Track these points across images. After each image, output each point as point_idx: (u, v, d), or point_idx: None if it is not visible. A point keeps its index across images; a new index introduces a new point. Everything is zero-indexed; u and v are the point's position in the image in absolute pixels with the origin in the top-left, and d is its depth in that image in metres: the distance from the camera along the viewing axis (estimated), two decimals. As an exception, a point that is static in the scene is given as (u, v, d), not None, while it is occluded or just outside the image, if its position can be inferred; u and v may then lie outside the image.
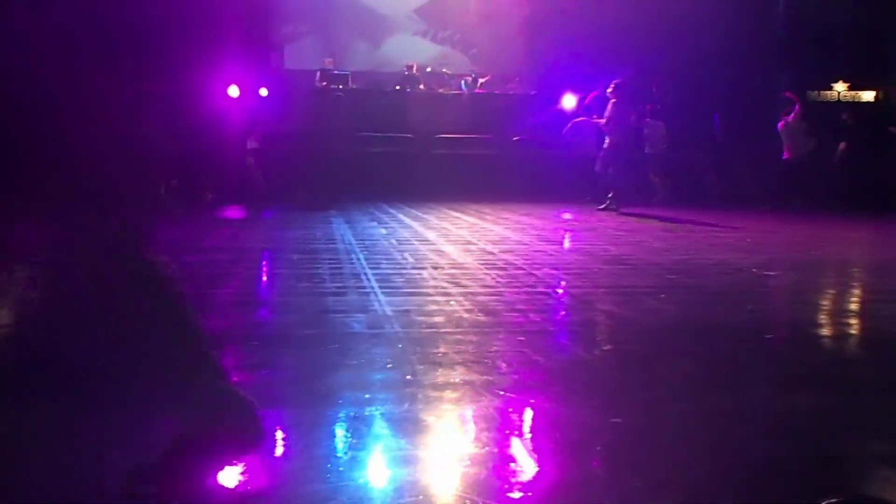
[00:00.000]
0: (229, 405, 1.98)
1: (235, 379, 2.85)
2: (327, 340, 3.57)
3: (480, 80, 17.05)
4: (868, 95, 17.49)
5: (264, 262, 6.10)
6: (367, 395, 2.79)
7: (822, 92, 17.39)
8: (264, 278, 5.32)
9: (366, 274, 5.41)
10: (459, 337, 3.68)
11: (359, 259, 6.14)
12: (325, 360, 3.26)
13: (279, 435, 2.42)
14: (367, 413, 2.60)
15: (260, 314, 4.24)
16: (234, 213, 10.58)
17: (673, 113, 15.72)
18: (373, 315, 4.13)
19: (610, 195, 11.78)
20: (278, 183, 12.73)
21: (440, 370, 3.12)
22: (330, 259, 6.13)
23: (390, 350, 3.45)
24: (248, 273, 5.44)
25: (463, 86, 16.93)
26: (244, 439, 2.02)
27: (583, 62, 16.28)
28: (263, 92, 14.60)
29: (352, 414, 2.59)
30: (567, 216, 10.71)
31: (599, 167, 12.07)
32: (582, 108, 15.12)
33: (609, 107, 11.79)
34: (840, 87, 17.53)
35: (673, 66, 16.57)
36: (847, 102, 17.10)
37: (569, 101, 15.65)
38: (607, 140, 11.81)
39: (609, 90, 11.89)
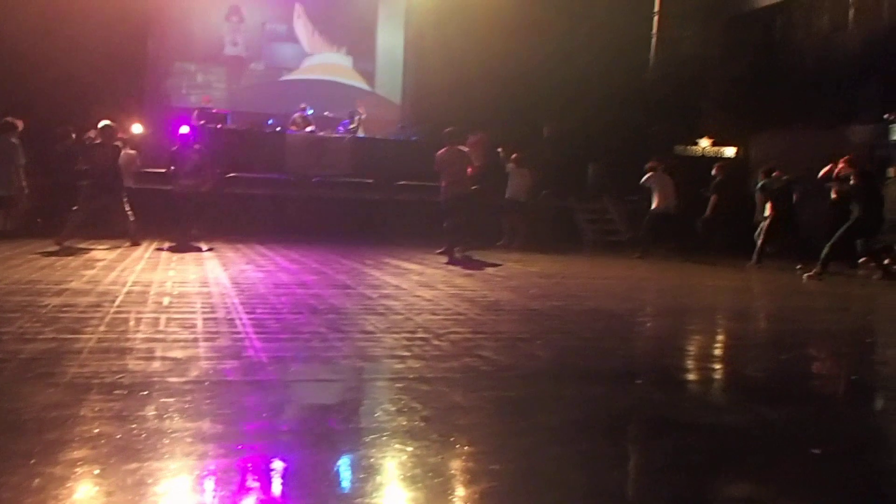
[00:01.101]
0: None
1: (97, 431, 2.70)
2: (198, 388, 3.44)
3: (357, 118, 17.05)
4: (730, 151, 18.54)
5: (131, 305, 5.85)
6: (239, 446, 2.69)
7: (688, 147, 18.31)
8: (131, 322, 5.09)
9: (240, 318, 5.27)
10: (337, 384, 3.61)
11: (233, 302, 5.98)
12: (195, 409, 3.13)
13: (141, 491, 2.30)
14: (237, 464, 2.50)
15: (125, 361, 4.05)
16: (102, 252, 10.14)
17: (549, 162, 16.21)
18: (247, 361, 4.02)
19: (455, 240, 11.64)
20: (151, 222, 12.33)
21: (316, 417, 3.05)
22: (202, 302, 5.94)
23: (265, 398, 3.35)
24: (114, 317, 5.20)
25: (349, 123, 16.94)
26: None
27: (466, 109, 16.60)
28: (137, 128, 14.20)
29: (223, 466, 2.49)
30: (446, 261, 10.78)
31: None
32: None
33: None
34: (704, 143, 18.51)
35: (551, 116, 17.13)
36: (711, 157, 18.05)
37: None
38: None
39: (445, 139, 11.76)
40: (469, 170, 11.78)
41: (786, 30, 18.21)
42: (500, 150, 14.39)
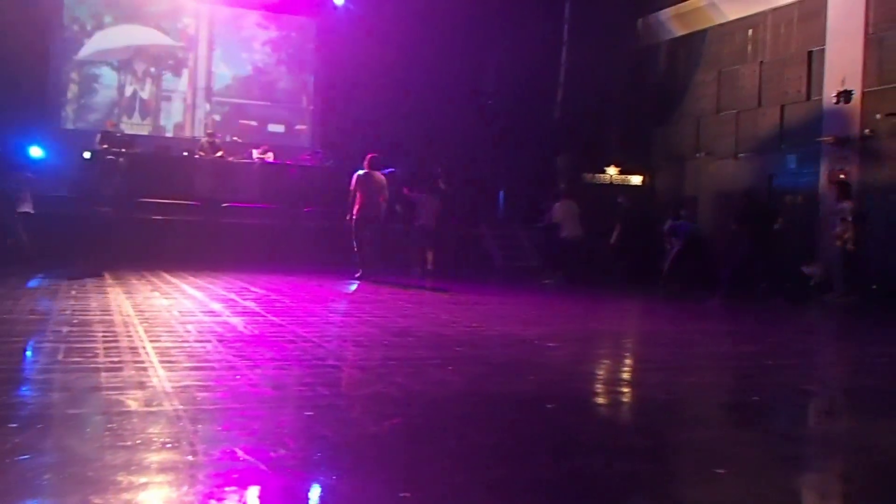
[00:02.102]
0: None
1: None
2: (98, 420, 3.31)
3: (269, 153, 16.87)
4: (636, 179, 19.06)
5: (28, 335, 5.61)
6: (142, 479, 2.59)
7: (596, 175, 18.74)
8: (27, 353, 4.88)
9: (144, 347, 5.11)
10: (245, 413, 3.53)
11: (137, 331, 5.79)
12: (96, 442, 3.01)
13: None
14: (140, 499, 2.41)
15: (20, 392, 3.87)
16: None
17: (460, 190, 16.37)
18: (150, 391, 3.89)
19: (363, 261, 11.83)
20: (51, 249, 11.90)
21: (224, 449, 2.97)
22: (104, 331, 5.73)
23: (169, 429, 3.24)
24: (8, 347, 4.97)
25: (255, 155, 16.70)
26: None
27: (377, 137, 16.64)
28: (37, 152, 13.72)
29: (123, 500, 2.39)
30: (356, 287, 10.72)
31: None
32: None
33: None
34: (612, 171, 18.99)
35: (462, 145, 17.31)
36: (618, 185, 18.53)
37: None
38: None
39: (366, 162, 11.96)
40: (381, 198, 11.91)
41: (688, 62, 18.89)
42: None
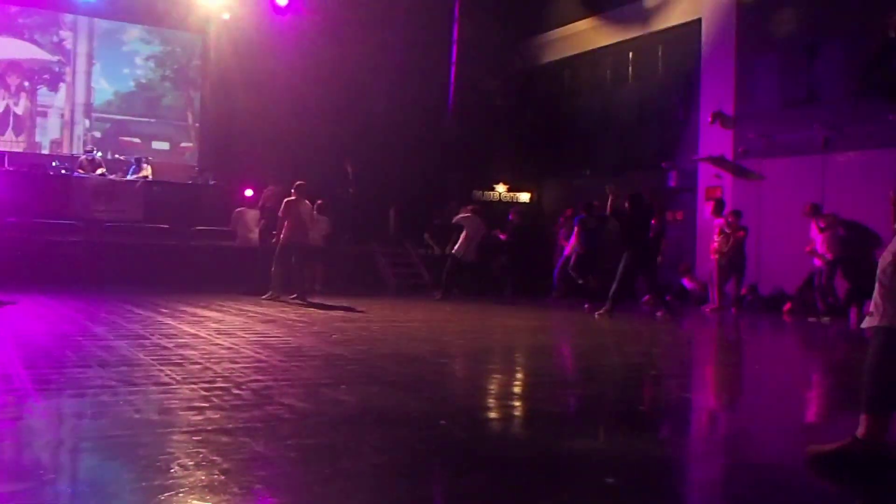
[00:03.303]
0: None
1: None
2: (-32, 453, 3.12)
3: (145, 166, 16.36)
4: (525, 196, 19.44)
5: None
6: (15, 514, 2.46)
7: (485, 192, 19.02)
8: None
9: (18, 374, 4.85)
10: (129, 440, 3.40)
11: (9, 357, 5.50)
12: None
13: None
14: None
15: None
16: None
17: (355, 208, 16.34)
18: (26, 421, 3.69)
19: (274, 286, 12.21)
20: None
21: (107, 476, 2.85)
22: (-25, 359, 5.42)
23: (49, 459, 3.08)
24: None
25: (130, 174, 16.17)
26: None
27: (266, 156, 16.43)
28: None
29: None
30: (247, 308, 10.51)
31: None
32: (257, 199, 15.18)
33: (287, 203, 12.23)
34: (501, 188, 19.30)
35: (352, 163, 17.25)
36: (507, 202, 18.85)
37: (249, 193, 15.65)
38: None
39: (294, 189, 12.39)
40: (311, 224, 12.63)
41: (573, 83, 19.44)
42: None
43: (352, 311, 10.76)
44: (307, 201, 12.55)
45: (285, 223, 12.03)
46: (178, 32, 19.18)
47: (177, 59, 19.50)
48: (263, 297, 11.98)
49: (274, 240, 12.22)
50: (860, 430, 3.23)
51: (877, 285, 3.28)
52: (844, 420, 3.69)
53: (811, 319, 11.99)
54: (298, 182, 12.44)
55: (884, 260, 3.30)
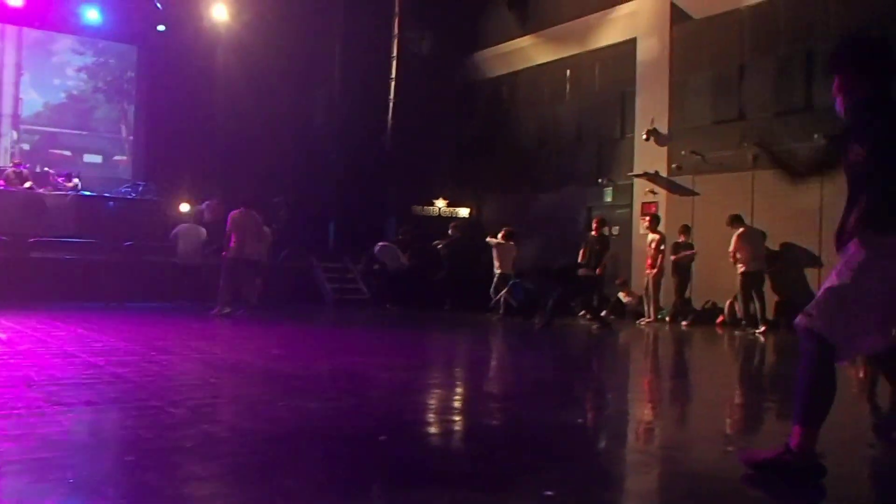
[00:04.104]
0: None
1: None
2: None
3: (75, 180, 15.99)
4: (464, 211, 19.51)
5: None
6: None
7: (425, 207, 19.04)
8: None
9: (-59, 395, 4.67)
10: (58, 462, 3.29)
11: (-67, 378, 5.30)
12: None
13: None
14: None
15: None
16: None
17: (292, 223, 16.19)
18: (-52, 443, 3.55)
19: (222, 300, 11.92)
20: None
21: (32, 500, 2.75)
22: None
23: (-31, 483, 2.97)
24: None
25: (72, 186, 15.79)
26: None
27: (203, 169, 16.22)
28: None
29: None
30: (184, 323, 10.32)
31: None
32: (197, 214, 15.00)
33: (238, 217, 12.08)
34: (441, 204, 19.35)
35: (291, 177, 17.13)
36: (447, 217, 18.90)
37: (185, 207, 15.42)
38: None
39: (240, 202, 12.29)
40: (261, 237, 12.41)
41: (512, 99, 19.62)
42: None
43: (291, 327, 10.64)
44: (256, 214, 12.29)
45: (232, 237, 11.83)
46: (112, 43, 18.82)
47: (110, 70, 19.14)
48: (212, 311, 11.67)
49: (224, 252, 11.98)
50: (792, 441, 3.30)
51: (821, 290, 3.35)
52: (775, 428, 3.78)
53: (741, 332, 12.27)
54: (245, 195, 12.35)
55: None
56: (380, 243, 15.55)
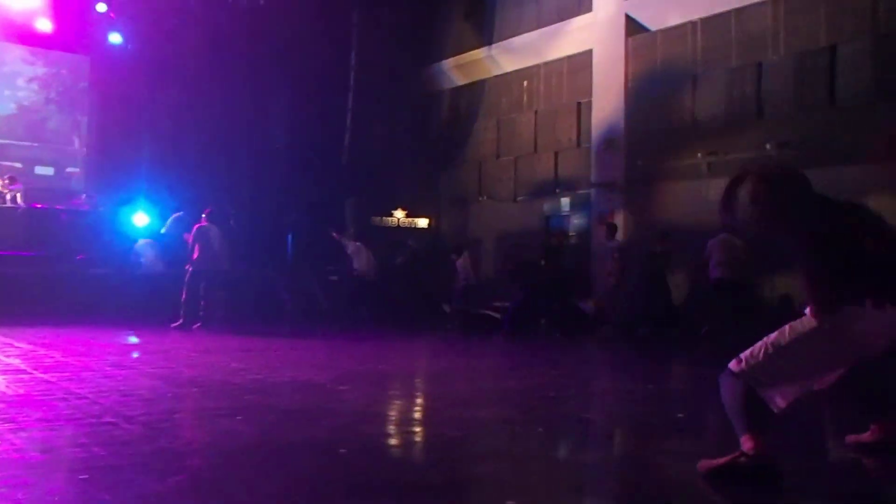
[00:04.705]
0: None
1: None
2: None
3: (13, 190, 15.60)
4: (423, 222, 19.51)
5: None
6: None
7: (384, 218, 18.99)
8: None
9: None
10: (8, 482, 3.21)
11: None
12: None
13: None
14: None
15: None
16: None
17: (249, 234, 16.02)
18: None
19: (190, 312, 11.82)
20: None
21: (-18, 522, 2.68)
22: None
23: (-85, 504, 2.88)
24: None
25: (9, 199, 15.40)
26: None
27: (158, 181, 16.01)
28: None
29: None
30: (137, 339, 10.15)
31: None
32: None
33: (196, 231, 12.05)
34: (399, 214, 19.32)
35: (249, 188, 16.98)
36: (406, 228, 18.89)
37: (141, 220, 15.20)
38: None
39: (203, 215, 12.22)
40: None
41: (469, 110, 19.69)
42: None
43: (248, 339, 10.53)
44: (215, 227, 12.22)
45: (195, 249, 11.77)
46: (64, 54, 18.51)
47: (62, 81, 18.81)
48: (173, 325, 11.54)
49: (186, 265, 11.89)
50: (745, 446, 3.37)
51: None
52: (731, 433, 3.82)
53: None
54: (207, 209, 12.26)
55: None
56: (354, 244, 15.26)
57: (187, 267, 11.86)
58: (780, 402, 3.42)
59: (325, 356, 9.05)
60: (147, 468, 3.50)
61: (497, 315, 13.95)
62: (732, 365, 3.55)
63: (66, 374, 6.50)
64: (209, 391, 5.82)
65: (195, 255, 11.78)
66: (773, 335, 3.52)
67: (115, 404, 5.09)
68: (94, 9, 16.57)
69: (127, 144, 17.15)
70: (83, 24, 17.05)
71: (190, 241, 11.92)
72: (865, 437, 4.04)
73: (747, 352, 3.53)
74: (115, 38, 17.51)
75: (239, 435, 4.32)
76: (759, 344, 3.53)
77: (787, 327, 3.51)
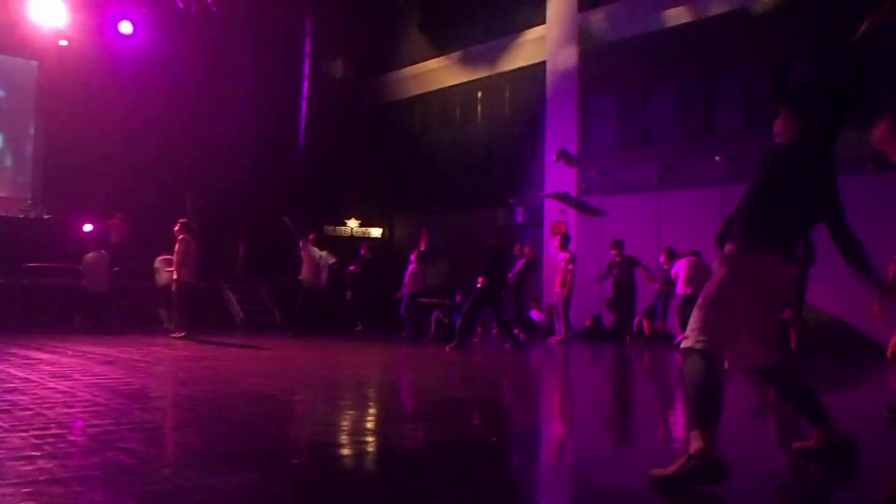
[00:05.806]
0: None
1: None
2: None
3: None
4: (376, 232, 19.50)
5: None
6: None
7: (337, 227, 18.94)
8: None
9: None
10: (-53, 495, 3.13)
11: None
12: None
13: None
14: None
15: None
16: None
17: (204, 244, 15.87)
18: None
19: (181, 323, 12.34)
20: None
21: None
22: None
23: None
24: None
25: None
26: None
27: (107, 188, 15.76)
28: None
29: None
30: (84, 349, 9.96)
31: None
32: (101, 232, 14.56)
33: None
34: (353, 224, 19.29)
35: (200, 197, 16.81)
36: (359, 237, 18.85)
37: (87, 227, 14.95)
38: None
39: (176, 228, 12.40)
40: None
41: (423, 121, 19.75)
42: None
43: (198, 350, 10.40)
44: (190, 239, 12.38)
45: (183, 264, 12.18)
46: (12, 58, 18.12)
47: (10, 86, 18.42)
48: (175, 336, 12.05)
49: (176, 278, 12.23)
50: (692, 447, 3.44)
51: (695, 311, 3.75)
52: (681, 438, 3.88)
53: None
54: (181, 220, 12.46)
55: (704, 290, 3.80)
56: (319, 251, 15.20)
57: (177, 280, 12.21)
58: (726, 353, 3.75)
59: (277, 366, 8.98)
60: (94, 481, 3.43)
61: (445, 320, 14.00)
62: (684, 343, 3.75)
63: (9, 385, 6.35)
64: (157, 402, 5.74)
65: (184, 270, 12.17)
66: (698, 302, 3.75)
67: (61, 415, 4.99)
68: (40, 14, 16.21)
69: (74, 151, 16.84)
70: (32, 28, 16.69)
71: (176, 254, 12.21)
72: (811, 443, 4.15)
73: (688, 327, 3.76)
74: (63, 42, 17.12)
75: (188, 447, 4.26)
76: (693, 313, 3.76)
77: (706, 286, 3.77)
